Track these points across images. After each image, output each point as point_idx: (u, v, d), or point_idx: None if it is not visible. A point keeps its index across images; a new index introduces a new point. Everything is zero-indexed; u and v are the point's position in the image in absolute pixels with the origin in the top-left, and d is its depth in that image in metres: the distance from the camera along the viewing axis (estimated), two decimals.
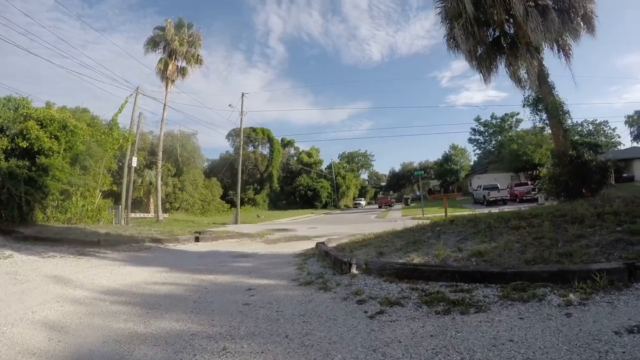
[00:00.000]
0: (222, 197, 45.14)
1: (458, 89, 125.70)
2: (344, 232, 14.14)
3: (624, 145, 49.81)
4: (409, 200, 48.06)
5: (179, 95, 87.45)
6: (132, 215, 27.41)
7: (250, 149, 57.83)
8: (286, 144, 63.51)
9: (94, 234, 11.70)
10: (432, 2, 13.07)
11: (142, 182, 27.76)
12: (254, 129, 54.32)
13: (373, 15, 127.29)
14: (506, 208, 21.34)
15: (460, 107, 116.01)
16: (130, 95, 19.30)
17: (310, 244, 9.50)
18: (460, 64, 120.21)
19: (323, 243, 7.84)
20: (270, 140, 56.94)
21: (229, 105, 25.93)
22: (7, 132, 12.00)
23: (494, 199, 26.50)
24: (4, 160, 11.46)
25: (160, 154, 22.58)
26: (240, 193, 52.00)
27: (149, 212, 26.81)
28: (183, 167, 39.78)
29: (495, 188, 27.93)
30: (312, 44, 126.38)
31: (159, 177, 22.49)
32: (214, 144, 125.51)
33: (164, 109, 22.52)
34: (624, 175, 31.10)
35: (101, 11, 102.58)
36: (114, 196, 32.43)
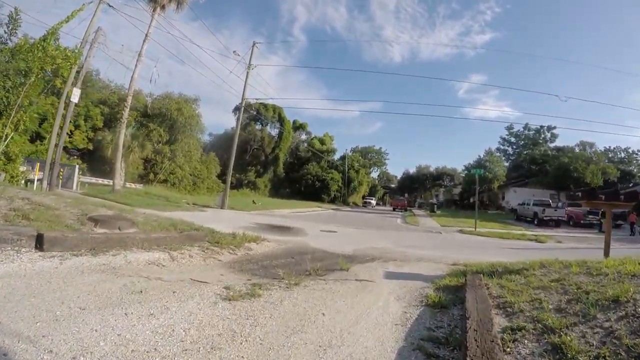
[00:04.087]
0: (220, 177, 39.49)
1: (474, 101, 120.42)
2: (385, 246, 8.76)
3: None
4: (435, 206, 41.17)
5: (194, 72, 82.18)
6: (94, 180, 21.66)
7: (258, 126, 51.76)
8: (298, 127, 57.31)
9: None
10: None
11: (111, 139, 21.71)
12: (264, 105, 48.17)
13: (399, 18, 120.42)
14: (561, 231, 16.49)
15: (475, 120, 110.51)
16: (91, 2, 13.20)
17: (357, 301, 3.98)
18: (478, 77, 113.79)
19: None
20: (281, 119, 50.79)
21: (234, 52, 19.40)
22: None
23: (548, 218, 22.79)
24: None
25: (130, 99, 16.32)
26: (240, 174, 46.18)
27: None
28: (177, 134, 34.00)
29: (549, 205, 24.24)
30: (335, 37, 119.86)
31: (122, 132, 16.31)
32: (223, 123, 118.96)
33: (144, 40, 16.44)
34: None
35: None
36: (89, 155, 26.76)
